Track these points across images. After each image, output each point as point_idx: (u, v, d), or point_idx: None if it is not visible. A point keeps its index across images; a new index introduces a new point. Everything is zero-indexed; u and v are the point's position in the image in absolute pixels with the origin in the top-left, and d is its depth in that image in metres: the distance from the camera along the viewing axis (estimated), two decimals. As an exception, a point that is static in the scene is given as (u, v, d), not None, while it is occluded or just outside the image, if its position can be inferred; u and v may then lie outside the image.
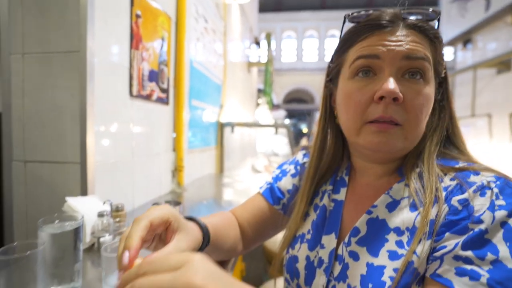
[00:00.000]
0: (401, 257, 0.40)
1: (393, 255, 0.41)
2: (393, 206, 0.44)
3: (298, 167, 0.64)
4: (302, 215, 0.56)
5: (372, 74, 0.43)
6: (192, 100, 1.66)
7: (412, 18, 0.43)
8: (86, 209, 0.69)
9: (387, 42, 0.42)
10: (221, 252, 0.57)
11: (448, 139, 0.47)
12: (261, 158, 3.86)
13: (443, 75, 0.47)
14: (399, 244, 0.41)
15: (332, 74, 0.52)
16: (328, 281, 0.46)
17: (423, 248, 0.37)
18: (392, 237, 0.42)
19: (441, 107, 0.48)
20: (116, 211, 0.78)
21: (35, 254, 0.43)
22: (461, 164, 0.43)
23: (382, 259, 0.41)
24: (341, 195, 0.53)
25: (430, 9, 0.44)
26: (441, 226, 0.38)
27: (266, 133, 5.18)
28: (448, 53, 8.80)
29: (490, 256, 0.33)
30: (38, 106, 0.82)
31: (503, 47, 5.42)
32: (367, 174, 0.51)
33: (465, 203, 0.37)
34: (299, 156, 0.66)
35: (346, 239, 0.46)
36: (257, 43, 4.29)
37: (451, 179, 0.41)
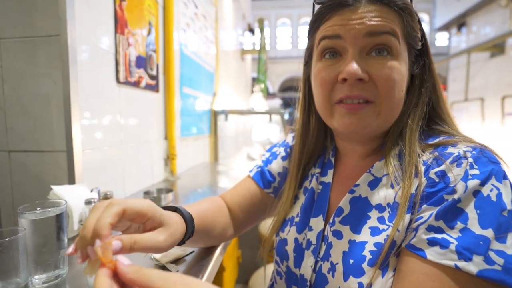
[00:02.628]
0: (382, 232, 0.40)
1: (374, 231, 0.41)
2: (374, 183, 0.44)
3: (288, 150, 0.63)
4: (292, 198, 0.55)
5: (338, 55, 0.43)
6: (184, 88, 1.63)
7: None
8: (73, 197, 0.68)
9: (349, 21, 0.41)
10: (209, 238, 0.56)
11: (434, 112, 0.46)
12: (257, 146, 3.85)
13: (419, 47, 0.45)
14: (381, 220, 0.41)
15: (306, 57, 0.52)
16: (316, 262, 0.46)
17: (403, 222, 0.38)
18: (374, 214, 0.42)
19: (422, 81, 0.46)
20: (105, 198, 0.77)
21: (16, 241, 0.42)
22: (441, 138, 0.42)
23: (364, 235, 0.41)
24: (328, 177, 0.53)
25: None
26: (420, 199, 0.38)
27: (261, 121, 5.15)
28: (442, 38, 8.76)
29: (459, 224, 0.33)
30: (19, 94, 0.79)
31: (497, 30, 5.41)
32: (351, 155, 0.51)
33: (442, 174, 0.37)
34: (289, 138, 0.65)
35: (330, 220, 0.46)
36: (251, 30, 4.21)
37: (430, 153, 0.40)
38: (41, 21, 0.77)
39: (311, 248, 0.48)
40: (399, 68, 0.41)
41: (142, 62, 1.17)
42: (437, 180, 0.37)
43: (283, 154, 0.64)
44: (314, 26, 0.47)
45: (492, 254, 0.31)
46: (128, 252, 0.32)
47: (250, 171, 0.65)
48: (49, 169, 0.81)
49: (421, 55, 0.46)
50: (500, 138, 4.95)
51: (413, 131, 0.43)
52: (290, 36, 11.78)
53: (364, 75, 0.40)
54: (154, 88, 1.29)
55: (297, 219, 0.53)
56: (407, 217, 0.38)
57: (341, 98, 0.42)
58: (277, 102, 6.98)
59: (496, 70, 5.44)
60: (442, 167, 0.37)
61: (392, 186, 0.41)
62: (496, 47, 5.34)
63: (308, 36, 0.50)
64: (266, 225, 1.47)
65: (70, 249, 0.31)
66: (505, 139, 4.88)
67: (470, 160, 0.36)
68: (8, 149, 0.81)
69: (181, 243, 0.45)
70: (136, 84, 1.13)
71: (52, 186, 0.68)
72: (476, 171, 0.35)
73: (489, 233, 0.32)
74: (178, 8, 1.50)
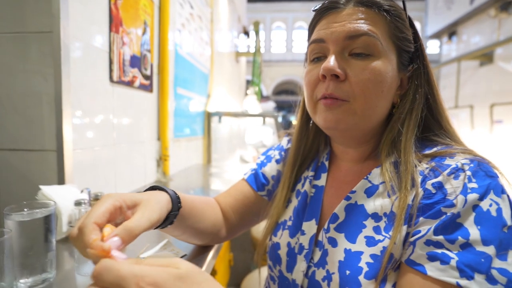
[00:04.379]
0: (378, 242, 0.39)
1: (370, 241, 0.40)
2: (371, 191, 0.44)
3: (283, 153, 0.63)
4: (284, 201, 0.55)
5: (324, 58, 0.45)
6: (178, 88, 1.62)
7: None
8: (62, 197, 0.66)
9: (332, 24, 0.43)
10: (199, 232, 0.54)
11: (431, 119, 0.46)
12: (250, 149, 3.84)
13: (411, 48, 0.45)
14: (376, 230, 0.40)
15: (304, 63, 0.54)
16: (308, 267, 0.46)
17: (400, 235, 0.37)
18: (369, 223, 0.41)
19: (416, 86, 0.45)
20: (95, 199, 0.75)
21: (1, 244, 0.40)
22: (438, 148, 0.42)
23: (359, 245, 0.41)
24: (322, 181, 0.52)
25: None
26: (417, 211, 0.37)
27: (255, 124, 5.15)
28: (434, 46, 8.95)
29: (460, 239, 0.33)
30: (8, 91, 0.77)
31: (486, 39, 5.55)
32: (345, 158, 0.51)
33: (439, 185, 0.36)
34: (284, 142, 0.65)
35: (325, 226, 0.46)
36: (246, 33, 4.22)
37: (427, 163, 0.40)
38: (34, 17, 0.75)
39: (303, 252, 0.47)
40: (378, 69, 0.42)
41: (137, 61, 1.16)
42: (433, 192, 0.36)
43: (278, 157, 0.63)
44: (309, 32, 0.49)
45: (494, 273, 0.31)
46: (128, 243, 0.31)
47: (245, 174, 0.65)
48: (38, 169, 0.78)
49: (415, 58, 0.46)
50: (488, 145, 5.07)
51: (407, 139, 0.43)
52: (285, 39, 11.86)
53: (339, 72, 0.41)
54: (148, 88, 1.27)
55: (289, 223, 0.52)
56: (404, 229, 0.37)
57: (322, 95, 0.44)
58: (270, 105, 7.00)
59: (485, 79, 5.58)
60: (439, 179, 0.37)
61: (389, 195, 0.41)
62: (485, 56, 5.48)
63: (307, 42, 0.52)
64: (259, 229, 1.46)
65: None
66: (493, 146, 5.00)
67: (468, 173, 0.35)
68: (-5, 147, 0.78)
69: (169, 222, 0.44)
70: (130, 83, 1.11)
71: (41, 186, 0.66)
72: (475, 185, 0.34)
73: (490, 250, 0.31)
74: (174, 8, 1.49)
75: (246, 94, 4.35)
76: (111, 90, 1.00)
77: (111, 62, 0.98)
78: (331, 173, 0.53)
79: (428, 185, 0.37)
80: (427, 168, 0.39)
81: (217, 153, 2.48)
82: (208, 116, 2.22)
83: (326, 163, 0.54)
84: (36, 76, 0.76)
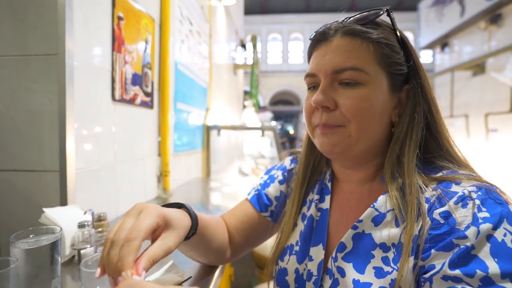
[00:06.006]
0: (387, 274, 0.39)
1: (379, 273, 0.40)
2: (378, 220, 0.43)
3: (286, 174, 0.63)
4: (292, 225, 0.55)
5: (318, 86, 0.48)
6: (178, 103, 1.63)
7: (352, 25, 0.45)
8: (65, 220, 0.66)
9: (323, 57, 0.46)
10: (208, 251, 0.55)
11: (431, 138, 0.45)
12: (248, 160, 3.84)
13: (403, 70, 0.45)
14: (385, 260, 0.40)
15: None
16: None
17: (407, 266, 0.37)
18: (378, 253, 0.41)
19: (413, 104, 0.45)
20: (98, 220, 0.75)
21: (7, 273, 0.40)
22: (444, 173, 0.42)
23: (368, 276, 0.40)
24: (326, 204, 0.52)
25: (373, 10, 0.45)
26: (425, 242, 0.37)
27: (253, 135, 5.17)
28: (427, 56, 9.12)
29: (479, 273, 0.32)
30: (13, 111, 0.77)
31: (478, 50, 5.68)
32: (348, 180, 0.52)
33: (447, 215, 0.36)
34: (287, 162, 0.65)
35: (333, 254, 0.46)
36: (243, 45, 4.29)
37: (433, 189, 0.40)
38: (39, 40, 0.76)
39: (312, 279, 0.47)
40: (366, 96, 0.44)
41: (138, 79, 1.17)
42: (442, 222, 0.36)
43: (281, 178, 0.63)
44: (308, 59, 0.52)
45: None
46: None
47: (248, 194, 0.65)
48: (40, 189, 0.78)
49: (410, 77, 0.46)
50: (484, 153, 5.12)
51: (410, 161, 0.43)
52: (281, 51, 12.03)
53: (329, 103, 0.45)
54: (148, 104, 1.28)
55: (296, 248, 0.52)
56: (411, 260, 0.37)
57: (318, 123, 0.47)
58: (268, 115, 7.03)
59: (479, 88, 5.68)
60: (446, 208, 0.37)
61: (397, 224, 0.41)
62: (477, 67, 5.59)
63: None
64: (261, 245, 1.45)
65: (97, 273, 0.34)
66: (490, 154, 5.05)
67: (477, 202, 0.35)
68: (-2, 169, 0.78)
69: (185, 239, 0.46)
70: (131, 101, 1.12)
71: (44, 209, 0.66)
72: (486, 214, 0.34)
73: (509, 284, 0.31)
74: (174, 25, 1.52)
75: (244, 106, 4.38)
76: (113, 109, 1.01)
77: (113, 81, 0.99)
78: (334, 196, 0.53)
79: (436, 214, 0.37)
80: (433, 195, 0.39)
81: (216, 164, 2.48)
82: (207, 129, 2.23)
83: (329, 185, 0.54)
84: (40, 97, 0.77)
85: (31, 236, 0.47)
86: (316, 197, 0.54)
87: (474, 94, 5.78)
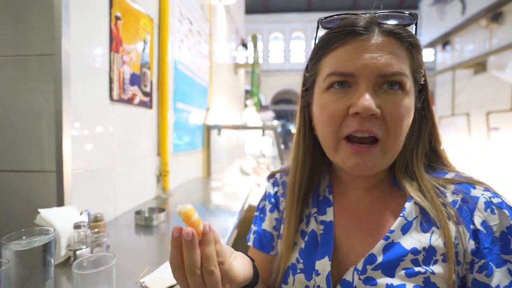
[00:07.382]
0: (418, 274, 0.39)
1: (409, 273, 0.39)
2: (406, 227, 0.42)
3: (273, 199, 0.59)
4: (291, 245, 0.51)
5: (347, 86, 0.41)
6: (177, 103, 1.63)
7: (389, 23, 0.41)
8: (61, 220, 0.66)
9: (361, 55, 0.39)
10: None
11: (430, 149, 0.46)
12: (250, 159, 3.84)
13: (422, 81, 0.44)
14: (415, 262, 0.40)
15: (308, 84, 0.49)
16: None
17: (449, 272, 0.38)
18: (408, 257, 0.40)
19: (422, 116, 0.45)
20: (95, 221, 0.75)
21: (-1, 275, 0.40)
22: (451, 175, 0.43)
23: (399, 278, 0.40)
24: (329, 216, 0.49)
25: (407, 13, 0.41)
26: (472, 254, 0.38)
27: (254, 134, 5.16)
28: (429, 54, 9.07)
29: None
30: (9, 112, 0.77)
31: (479, 48, 5.63)
32: (355, 187, 0.49)
33: (485, 225, 0.38)
34: (269, 188, 0.60)
35: (359, 266, 0.42)
36: (244, 44, 4.28)
37: (453, 193, 0.41)
38: (36, 40, 0.76)
39: None
40: (409, 105, 0.41)
41: (136, 79, 1.17)
42: (484, 232, 0.38)
43: (270, 206, 0.59)
44: (320, 53, 0.44)
45: None
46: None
47: (248, 240, 0.61)
48: (37, 190, 0.78)
49: (421, 90, 0.45)
50: (486, 151, 5.09)
51: (419, 168, 0.44)
52: (283, 49, 12.00)
53: (378, 111, 0.39)
54: (147, 104, 1.28)
55: (300, 266, 0.49)
56: (458, 268, 0.39)
57: (350, 133, 0.40)
58: (269, 115, 7.01)
59: (480, 87, 5.63)
60: (481, 216, 0.39)
61: (422, 228, 0.41)
62: (478, 65, 5.55)
63: (311, 61, 0.47)
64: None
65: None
66: (491, 152, 5.02)
67: (506, 211, 0.39)
68: (-5, 169, 0.78)
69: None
70: (129, 101, 1.12)
71: (40, 210, 0.65)
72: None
73: None
74: (173, 25, 1.52)
75: (246, 105, 4.38)
76: (111, 109, 1.01)
77: (111, 81, 0.99)
78: (338, 205, 0.50)
79: (473, 225, 0.39)
80: (456, 199, 0.41)
81: (217, 163, 2.48)
82: (208, 129, 2.23)
83: (330, 197, 0.51)
84: (36, 97, 0.77)
85: (24, 237, 0.47)
86: (313, 210, 0.51)
87: (475, 93, 5.74)
